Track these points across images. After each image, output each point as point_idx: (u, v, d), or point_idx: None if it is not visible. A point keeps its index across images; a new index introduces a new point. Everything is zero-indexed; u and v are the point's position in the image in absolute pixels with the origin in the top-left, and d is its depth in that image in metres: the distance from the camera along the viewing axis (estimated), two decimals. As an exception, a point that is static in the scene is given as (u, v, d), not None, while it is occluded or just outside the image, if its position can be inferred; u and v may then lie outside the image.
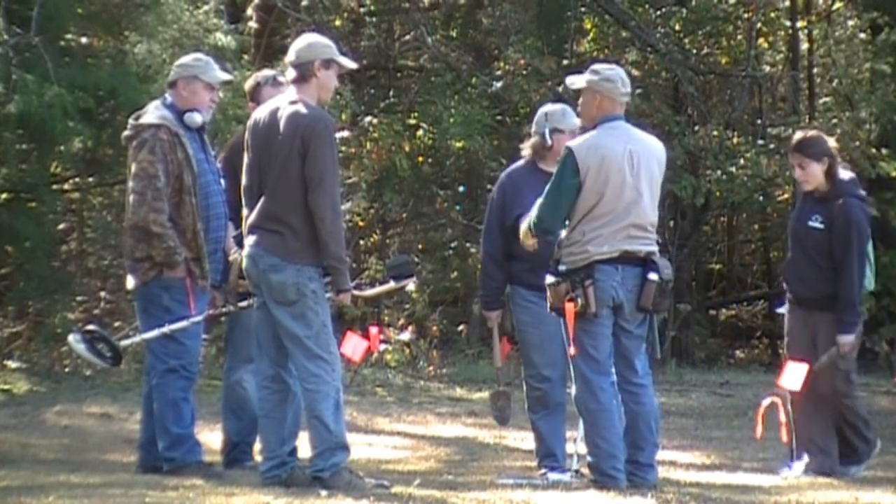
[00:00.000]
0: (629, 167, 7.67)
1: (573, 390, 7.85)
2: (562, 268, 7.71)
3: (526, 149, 8.71)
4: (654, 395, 7.96)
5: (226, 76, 8.46)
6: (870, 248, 8.93)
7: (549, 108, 8.72)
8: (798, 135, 8.90)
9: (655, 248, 7.79)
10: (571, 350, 7.71)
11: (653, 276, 7.70)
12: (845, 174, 8.91)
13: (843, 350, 8.65)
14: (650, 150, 7.83)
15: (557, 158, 8.10)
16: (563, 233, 7.76)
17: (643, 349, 7.86)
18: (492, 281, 8.75)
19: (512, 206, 8.55)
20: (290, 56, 7.55)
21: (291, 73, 7.54)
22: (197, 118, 8.15)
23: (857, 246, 8.70)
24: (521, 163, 8.74)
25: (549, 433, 8.61)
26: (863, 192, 8.88)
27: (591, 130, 7.78)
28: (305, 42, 7.59)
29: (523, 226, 7.96)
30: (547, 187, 7.75)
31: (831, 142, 8.97)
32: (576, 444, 8.56)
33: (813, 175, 8.80)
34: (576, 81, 7.91)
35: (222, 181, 8.28)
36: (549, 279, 7.76)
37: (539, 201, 7.78)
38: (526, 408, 8.73)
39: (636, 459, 7.75)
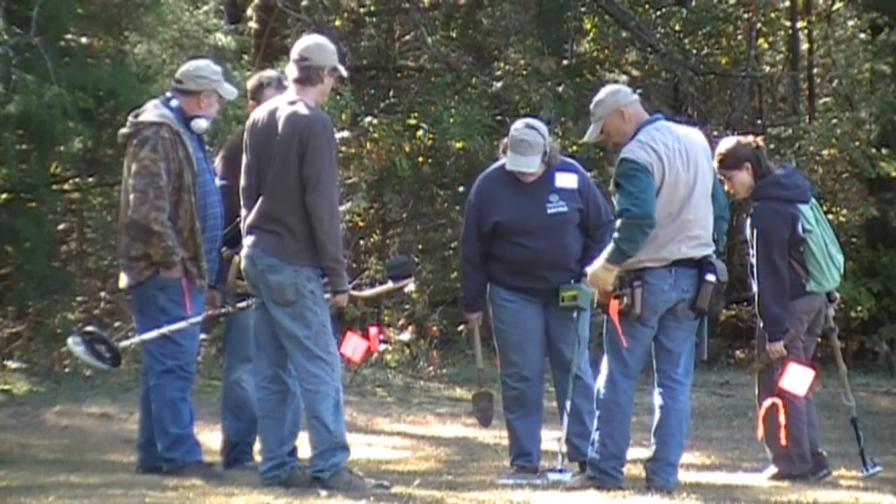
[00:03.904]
0: (682, 163, 7.60)
1: (597, 384, 7.83)
2: None
3: (501, 150, 8.68)
4: (689, 395, 7.92)
5: (235, 91, 8.48)
6: (831, 248, 8.73)
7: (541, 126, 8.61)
8: (716, 152, 8.76)
9: (711, 250, 7.71)
10: (624, 342, 7.61)
11: (710, 277, 7.64)
12: (775, 170, 8.83)
13: (773, 357, 8.63)
14: (695, 143, 7.75)
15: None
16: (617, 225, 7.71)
17: (689, 347, 7.84)
18: (471, 283, 8.77)
19: (489, 210, 8.56)
20: (299, 55, 7.48)
21: (295, 72, 7.48)
22: (203, 124, 8.23)
23: (764, 253, 8.58)
24: (497, 165, 8.71)
25: (524, 433, 8.63)
26: (784, 192, 8.69)
27: (633, 137, 7.64)
28: (318, 45, 7.54)
29: (598, 263, 7.58)
30: (622, 196, 7.47)
31: (750, 142, 8.88)
32: (560, 442, 8.58)
33: (740, 184, 8.79)
34: (592, 131, 7.78)
35: (218, 181, 8.30)
36: None
37: (624, 206, 7.44)
38: (502, 407, 8.74)
39: (661, 457, 7.74)
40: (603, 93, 7.81)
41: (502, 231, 8.51)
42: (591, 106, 7.83)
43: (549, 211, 8.45)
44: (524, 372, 8.57)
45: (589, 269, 7.69)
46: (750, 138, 9.06)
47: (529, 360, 8.55)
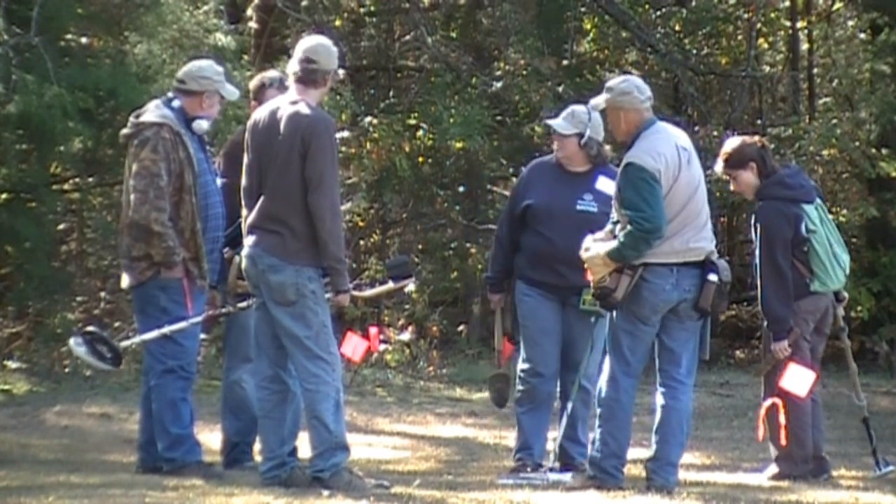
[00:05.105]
0: (686, 165, 7.60)
1: (598, 383, 7.83)
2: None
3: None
4: (691, 395, 7.92)
5: (237, 92, 8.48)
6: (836, 248, 8.72)
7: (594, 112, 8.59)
8: (721, 151, 8.84)
9: (713, 248, 7.72)
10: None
11: (712, 277, 7.63)
12: (780, 170, 8.84)
13: (777, 356, 8.62)
14: (691, 143, 7.77)
15: (565, 155, 8.39)
16: (617, 228, 7.70)
17: (692, 347, 7.83)
18: (496, 264, 8.87)
19: (523, 196, 8.64)
20: (305, 56, 7.46)
21: (300, 73, 7.47)
22: (204, 125, 8.23)
23: (766, 253, 8.58)
24: (550, 156, 8.78)
25: (530, 428, 8.65)
26: (788, 192, 8.69)
27: (634, 143, 7.64)
28: (326, 48, 7.53)
29: (600, 252, 7.64)
30: (632, 208, 7.48)
31: (755, 142, 8.89)
32: (555, 442, 8.59)
33: (745, 183, 8.82)
34: (598, 103, 7.83)
35: (218, 179, 8.30)
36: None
37: (635, 219, 7.46)
38: (514, 401, 8.75)
39: (661, 456, 7.74)
40: (625, 83, 7.76)
41: (530, 217, 8.55)
42: (610, 83, 7.77)
43: (578, 207, 8.47)
44: (538, 368, 8.58)
45: (588, 250, 7.70)
46: (755, 138, 9.09)
47: (544, 356, 8.56)
